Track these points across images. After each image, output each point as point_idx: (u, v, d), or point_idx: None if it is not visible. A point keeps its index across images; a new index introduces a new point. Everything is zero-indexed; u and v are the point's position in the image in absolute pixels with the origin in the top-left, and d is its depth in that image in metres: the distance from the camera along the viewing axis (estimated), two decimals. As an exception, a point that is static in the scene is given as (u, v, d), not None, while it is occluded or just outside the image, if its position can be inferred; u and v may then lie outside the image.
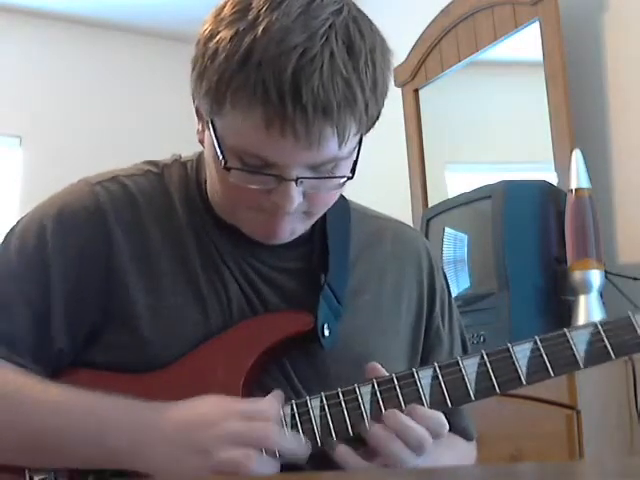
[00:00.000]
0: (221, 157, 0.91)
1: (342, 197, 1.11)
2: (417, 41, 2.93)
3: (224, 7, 0.92)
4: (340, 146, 0.89)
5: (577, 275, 1.96)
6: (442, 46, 2.84)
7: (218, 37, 0.89)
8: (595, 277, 1.95)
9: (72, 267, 0.99)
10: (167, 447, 0.89)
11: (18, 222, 1.04)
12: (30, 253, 1.00)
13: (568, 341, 0.95)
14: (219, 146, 0.92)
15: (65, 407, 0.93)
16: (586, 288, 1.95)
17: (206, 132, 0.96)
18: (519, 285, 2.04)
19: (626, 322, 0.96)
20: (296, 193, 0.91)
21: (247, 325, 1.00)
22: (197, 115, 0.98)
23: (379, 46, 0.91)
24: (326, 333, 1.00)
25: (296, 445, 0.90)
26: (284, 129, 0.86)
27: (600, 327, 0.95)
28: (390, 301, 1.10)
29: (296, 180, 0.90)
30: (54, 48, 4.17)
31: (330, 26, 0.87)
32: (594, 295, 1.94)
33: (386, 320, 1.09)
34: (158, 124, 4.16)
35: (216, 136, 0.92)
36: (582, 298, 1.94)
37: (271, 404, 0.92)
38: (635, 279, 2.03)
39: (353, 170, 0.94)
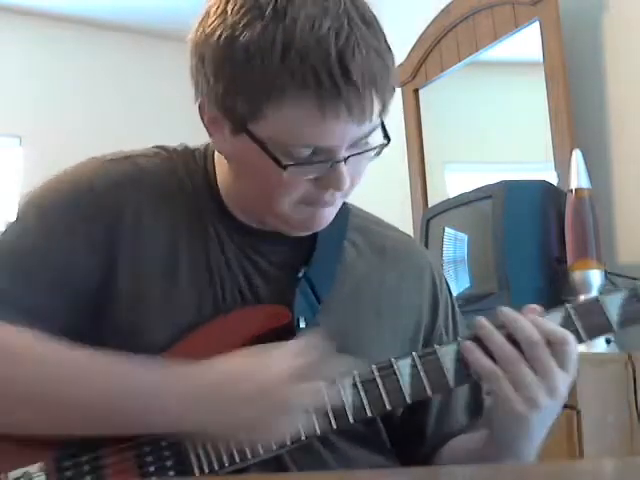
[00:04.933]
0: (273, 158, 0.92)
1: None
2: (417, 41, 2.93)
3: (225, 11, 0.91)
4: (381, 113, 0.94)
5: (577, 275, 1.96)
6: (442, 46, 2.84)
7: (241, 40, 0.88)
8: (595, 277, 1.95)
9: (91, 240, 0.98)
10: (214, 399, 0.89)
11: (29, 198, 1.03)
12: (51, 227, 0.99)
13: None
14: (266, 148, 0.92)
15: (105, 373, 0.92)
16: (586, 288, 1.94)
17: (232, 140, 0.95)
18: (519, 285, 2.04)
19: (595, 305, 0.98)
20: (347, 172, 0.94)
21: (224, 320, 1.00)
22: (213, 126, 0.97)
23: (373, 11, 0.95)
24: (302, 325, 1.00)
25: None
26: (339, 110, 0.88)
27: (571, 310, 0.97)
28: (386, 306, 1.10)
29: (345, 159, 0.93)
30: (54, 48, 4.17)
31: (344, 4, 0.90)
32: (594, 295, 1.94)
33: (380, 323, 1.08)
34: (158, 124, 4.15)
35: (258, 140, 0.92)
36: (582, 298, 1.94)
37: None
38: (635, 279, 2.02)
39: (387, 135, 0.97)
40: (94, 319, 0.98)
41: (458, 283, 2.29)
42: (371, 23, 0.92)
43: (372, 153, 0.97)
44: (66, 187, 1.02)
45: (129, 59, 4.33)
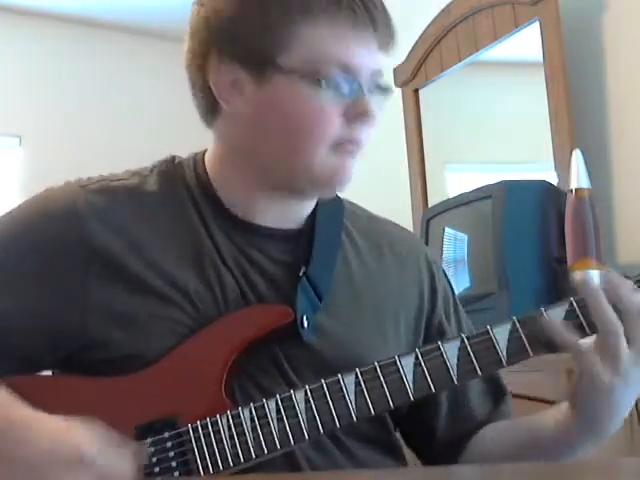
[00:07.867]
0: (307, 78, 0.96)
1: (336, 196, 1.12)
2: (417, 41, 2.93)
3: None
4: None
5: (577, 275, 1.95)
6: (442, 46, 2.84)
7: None
8: (595, 277, 1.95)
9: (48, 264, 1.00)
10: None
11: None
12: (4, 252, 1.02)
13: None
14: (299, 73, 0.96)
15: None
16: (586, 288, 1.94)
17: (257, 93, 0.98)
18: (519, 285, 2.03)
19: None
20: (374, 106, 1.00)
21: (228, 320, 1.00)
22: (232, 91, 1.00)
23: None
24: (305, 325, 1.00)
25: None
26: (368, 30, 0.98)
27: (575, 303, 0.97)
28: (387, 301, 1.10)
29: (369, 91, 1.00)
30: (54, 48, 4.18)
31: None
32: (594, 295, 1.94)
33: (382, 319, 1.09)
34: (158, 124, 4.16)
35: (289, 71, 0.96)
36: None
37: None
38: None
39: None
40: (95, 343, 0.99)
41: (458, 283, 2.29)
42: None
43: (384, 98, 1.04)
44: (35, 210, 1.07)
45: (128, 59, 4.33)
